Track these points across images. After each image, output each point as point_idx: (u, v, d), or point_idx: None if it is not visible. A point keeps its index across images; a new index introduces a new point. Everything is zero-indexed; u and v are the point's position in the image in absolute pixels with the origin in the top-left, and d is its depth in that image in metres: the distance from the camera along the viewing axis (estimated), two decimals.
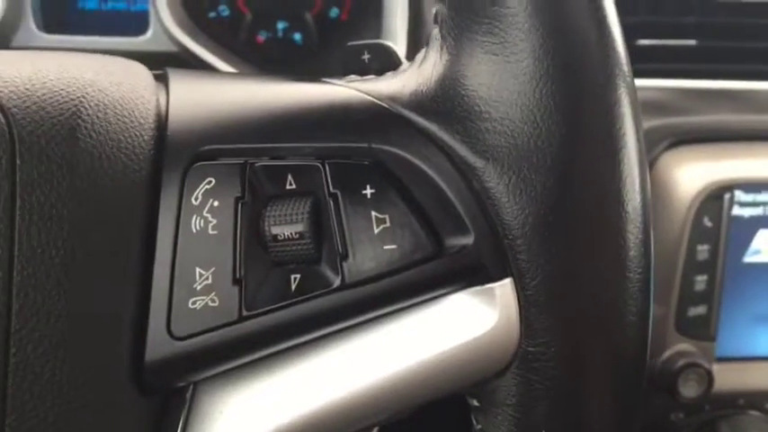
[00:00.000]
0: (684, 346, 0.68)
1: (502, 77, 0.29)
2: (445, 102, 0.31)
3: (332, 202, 0.30)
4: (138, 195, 0.29)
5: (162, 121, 0.31)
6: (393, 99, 0.32)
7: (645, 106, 0.76)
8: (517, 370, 0.30)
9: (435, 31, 0.32)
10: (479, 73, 0.30)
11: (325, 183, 0.30)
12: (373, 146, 0.31)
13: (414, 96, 0.31)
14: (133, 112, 0.30)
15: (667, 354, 0.68)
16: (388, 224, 0.30)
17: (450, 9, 0.31)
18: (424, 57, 0.33)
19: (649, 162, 0.72)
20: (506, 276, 0.30)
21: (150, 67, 0.34)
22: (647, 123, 0.73)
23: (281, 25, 0.84)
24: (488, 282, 0.30)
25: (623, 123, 0.29)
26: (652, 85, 0.78)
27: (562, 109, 0.29)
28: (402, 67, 0.35)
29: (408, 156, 0.31)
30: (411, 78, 0.32)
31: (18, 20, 0.79)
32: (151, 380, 0.29)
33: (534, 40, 0.29)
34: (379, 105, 0.31)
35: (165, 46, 0.79)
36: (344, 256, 0.30)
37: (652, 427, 0.71)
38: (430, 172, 0.30)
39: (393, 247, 0.30)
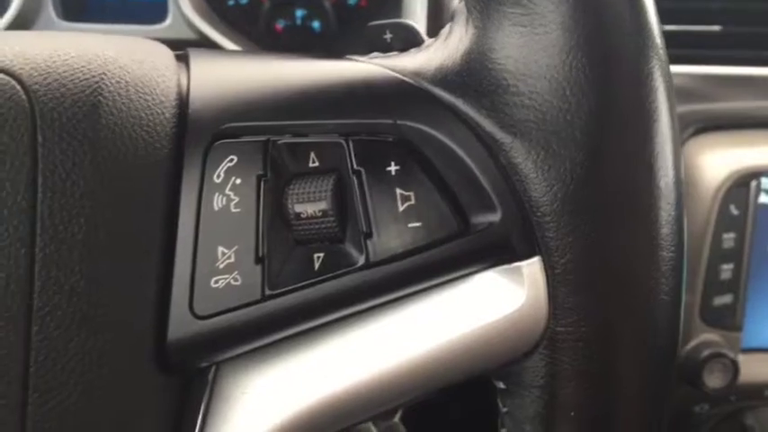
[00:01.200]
0: (710, 335, 0.67)
1: (530, 50, 0.29)
2: (471, 76, 0.30)
3: (356, 180, 0.30)
4: (159, 173, 0.29)
5: (183, 99, 0.30)
6: (418, 74, 0.31)
7: None
8: (545, 350, 0.30)
9: (461, 5, 0.32)
10: (507, 46, 0.29)
11: (348, 160, 0.30)
12: (398, 122, 0.30)
13: (439, 71, 0.31)
14: (154, 89, 0.30)
15: (692, 344, 0.67)
16: (413, 201, 0.30)
17: None
18: (450, 31, 0.32)
19: None
20: (534, 254, 0.29)
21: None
22: None
23: (299, 13, 0.84)
24: (516, 260, 0.29)
25: (656, 97, 0.29)
26: (677, 72, 0.77)
27: (592, 82, 0.28)
28: (426, 43, 0.34)
29: (434, 132, 0.30)
30: (436, 53, 0.32)
31: (38, 8, 0.79)
32: (174, 359, 0.29)
33: (564, 10, 0.28)
34: (404, 81, 0.31)
35: (184, 33, 0.79)
36: (369, 235, 0.29)
37: (676, 418, 0.70)
38: (456, 148, 0.30)
39: (418, 224, 0.29)
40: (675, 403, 0.70)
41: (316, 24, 0.84)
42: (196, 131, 0.30)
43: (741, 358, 0.67)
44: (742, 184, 0.67)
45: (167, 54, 0.33)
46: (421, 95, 0.31)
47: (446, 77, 0.31)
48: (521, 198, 0.29)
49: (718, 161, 0.68)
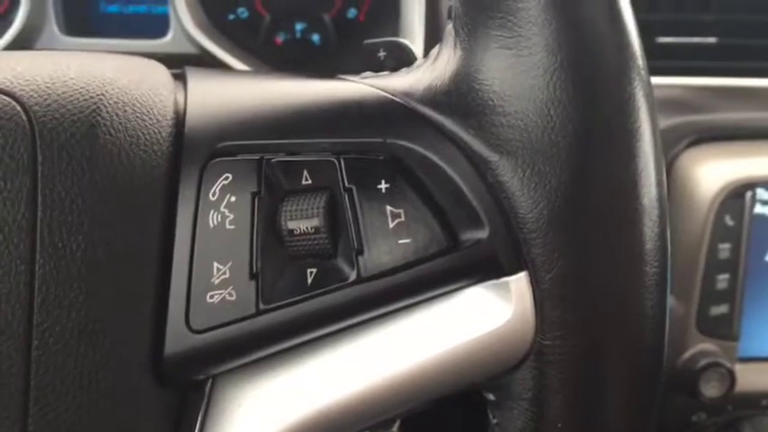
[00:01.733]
0: (706, 345, 0.68)
1: (515, 71, 0.29)
2: (459, 96, 0.31)
3: (347, 197, 0.30)
4: (156, 191, 0.30)
5: (180, 119, 0.31)
6: (407, 94, 0.32)
7: (665, 104, 0.76)
8: (533, 363, 0.30)
9: (449, 27, 0.32)
10: (493, 67, 0.30)
11: (340, 178, 0.31)
12: (388, 141, 0.31)
13: (428, 91, 0.32)
14: (152, 109, 0.31)
15: (689, 353, 0.68)
16: (402, 218, 0.30)
17: (463, 4, 0.31)
18: (438, 52, 0.33)
19: (670, 160, 0.71)
20: (521, 270, 0.30)
21: (171, 69, 0.35)
22: (668, 121, 0.73)
23: (299, 26, 0.85)
24: (503, 275, 0.30)
25: (638, 116, 0.29)
26: (672, 83, 0.78)
27: (575, 102, 0.29)
28: (416, 64, 0.35)
29: (423, 150, 0.31)
30: (425, 74, 0.32)
31: (41, 23, 0.80)
32: (171, 372, 0.29)
33: (547, 33, 0.29)
34: (394, 101, 0.32)
35: (185, 48, 0.80)
36: (360, 251, 0.30)
37: (674, 427, 0.70)
38: (444, 166, 0.31)
39: (408, 241, 0.30)
40: (673, 412, 0.70)
41: (315, 38, 0.85)
42: (192, 150, 0.31)
43: (738, 368, 0.68)
44: (737, 194, 0.67)
45: (164, 73, 0.34)
46: (410, 115, 0.31)
47: (435, 98, 0.31)
48: (508, 215, 0.30)
49: (714, 172, 0.69)
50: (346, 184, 0.31)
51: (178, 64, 0.36)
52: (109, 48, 0.79)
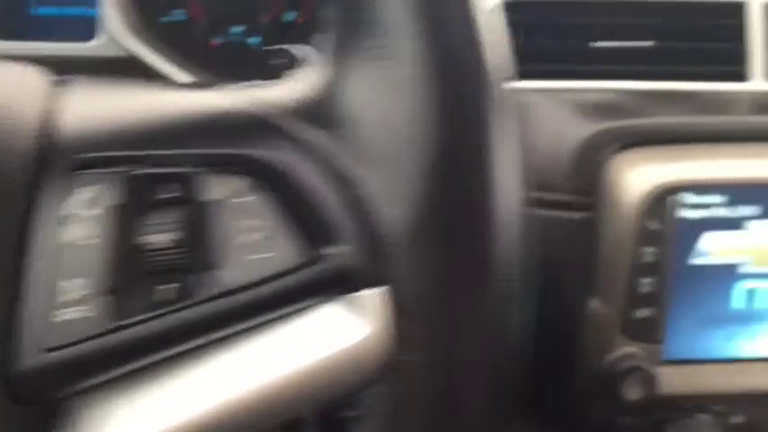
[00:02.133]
0: (630, 348, 0.68)
1: (379, 84, 0.29)
2: (326, 107, 0.31)
3: (208, 211, 0.30)
4: (14, 202, 0.29)
5: (48, 129, 0.31)
6: (277, 105, 0.32)
7: (597, 108, 0.76)
8: (390, 379, 0.30)
9: (321, 37, 0.32)
10: (361, 78, 0.30)
11: (202, 191, 0.30)
12: (250, 153, 0.31)
13: (298, 103, 0.31)
14: (18, 118, 0.30)
15: (612, 356, 0.68)
16: (263, 233, 0.30)
17: (334, 14, 0.31)
18: (312, 63, 0.33)
19: (600, 165, 0.71)
20: (381, 285, 0.30)
21: (98, 73, 0.34)
22: (598, 126, 0.73)
23: (235, 30, 0.84)
24: (363, 290, 0.30)
25: (496, 130, 0.29)
26: (606, 87, 0.78)
27: (435, 115, 0.29)
28: (294, 73, 0.34)
29: (286, 164, 0.31)
30: (297, 84, 0.32)
31: None
32: (24, 390, 0.29)
33: (415, 46, 0.29)
34: (260, 113, 0.31)
35: (115, 51, 0.78)
36: (218, 266, 0.30)
37: (598, 430, 0.71)
38: (308, 179, 0.30)
39: (268, 255, 0.30)
40: (597, 415, 0.70)
41: (252, 41, 0.84)
42: (56, 161, 0.30)
43: (663, 370, 0.68)
44: (662, 198, 0.68)
45: (41, 81, 0.33)
46: (275, 128, 0.31)
47: (304, 109, 0.31)
48: (370, 229, 0.30)
49: (640, 176, 0.69)
50: (207, 197, 0.30)
51: (107, 67, 0.35)
52: (35, 51, 0.78)
